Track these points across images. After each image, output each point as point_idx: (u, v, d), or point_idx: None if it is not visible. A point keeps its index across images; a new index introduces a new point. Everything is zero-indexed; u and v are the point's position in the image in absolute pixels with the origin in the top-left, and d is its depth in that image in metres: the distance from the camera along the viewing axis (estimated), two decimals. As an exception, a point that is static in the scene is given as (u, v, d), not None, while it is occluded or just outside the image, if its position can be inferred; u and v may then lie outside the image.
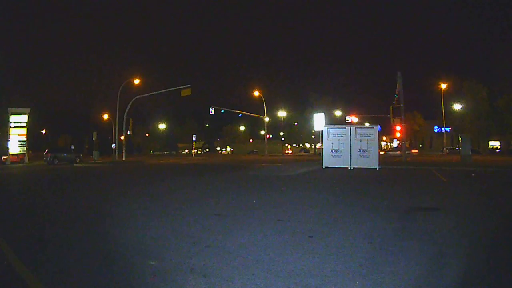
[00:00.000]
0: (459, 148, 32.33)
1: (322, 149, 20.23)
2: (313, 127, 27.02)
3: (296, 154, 72.09)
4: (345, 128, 19.66)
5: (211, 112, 45.00)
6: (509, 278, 3.37)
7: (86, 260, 3.93)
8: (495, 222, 5.88)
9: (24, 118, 30.80)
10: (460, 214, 6.48)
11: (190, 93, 33.48)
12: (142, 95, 38.09)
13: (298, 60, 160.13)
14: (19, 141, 30.29)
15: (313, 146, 71.17)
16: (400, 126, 28.09)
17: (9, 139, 29.88)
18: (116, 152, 37.85)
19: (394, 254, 3.94)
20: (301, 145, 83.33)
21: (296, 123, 73.05)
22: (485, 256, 4.02)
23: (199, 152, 79.94)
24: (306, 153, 72.40)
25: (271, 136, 70.97)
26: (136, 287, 3.21)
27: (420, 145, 77.19)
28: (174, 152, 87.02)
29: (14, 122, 30.38)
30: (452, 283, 3.21)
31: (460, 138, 25.89)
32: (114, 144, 41.28)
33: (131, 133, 40.64)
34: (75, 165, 28.44)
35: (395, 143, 71.86)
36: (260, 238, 4.65)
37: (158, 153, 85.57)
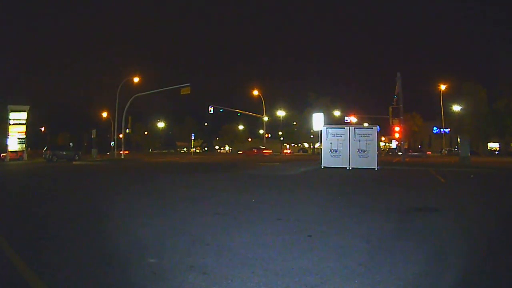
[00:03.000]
0: (458, 149, 32.40)
1: (321, 149, 20.26)
2: (312, 127, 26.99)
3: (295, 153, 72.13)
4: (344, 128, 19.68)
5: (210, 111, 45.02)
6: (509, 278, 3.39)
7: (85, 258, 3.93)
8: (493, 223, 5.91)
9: (23, 116, 30.79)
10: (459, 215, 6.51)
11: (189, 92, 33.48)
12: (141, 94, 37.99)
13: (298, 60, 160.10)
14: (18, 138, 30.28)
15: (311, 146, 71.18)
16: (399, 126, 28.15)
17: (8, 136, 29.86)
18: (115, 150, 37.80)
19: (392, 254, 3.95)
20: (299, 144, 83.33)
21: (295, 123, 73.04)
22: (484, 256, 4.04)
23: (197, 150, 79.82)
24: (304, 153, 72.44)
25: (269, 135, 70.99)
26: (136, 284, 3.21)
27: (419, 146, 77.39)
28: (172, 151, 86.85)
29: (14, 120, 30.37)
30: (451, 283, 3.23)
31: (459, 140, 25.92)
32: (113, 142, 41.23)
33: (130, 131, 40.68)
34: (73, 162, 28.42)
35: (394, 144, 72.07)
36: (259, 237, 4.66)
37: (157, 151, 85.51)
